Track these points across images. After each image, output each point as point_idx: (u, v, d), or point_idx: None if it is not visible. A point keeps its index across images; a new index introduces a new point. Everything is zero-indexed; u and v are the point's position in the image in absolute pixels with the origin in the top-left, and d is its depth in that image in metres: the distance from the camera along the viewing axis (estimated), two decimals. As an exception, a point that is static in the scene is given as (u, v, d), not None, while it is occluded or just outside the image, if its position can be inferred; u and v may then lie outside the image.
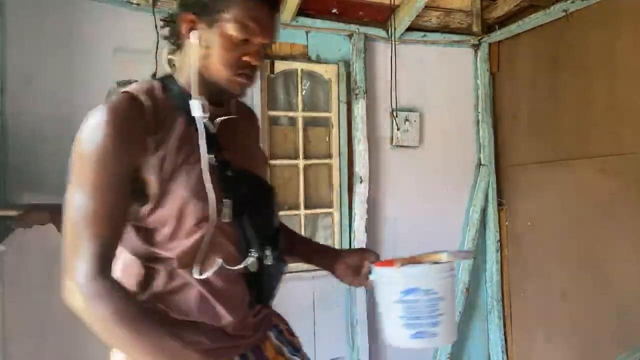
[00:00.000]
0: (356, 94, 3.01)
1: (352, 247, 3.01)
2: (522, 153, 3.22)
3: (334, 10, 2.98)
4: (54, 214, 2.01)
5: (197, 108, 1.02)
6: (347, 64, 3.05)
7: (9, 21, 2.33)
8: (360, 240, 2.99)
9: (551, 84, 2.96)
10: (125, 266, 1.03)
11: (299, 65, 2.97)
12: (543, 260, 3.04)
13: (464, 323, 3.33)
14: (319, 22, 2.96)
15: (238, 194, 1.04)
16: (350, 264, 1.36)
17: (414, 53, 3.24)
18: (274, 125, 2.97)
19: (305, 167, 3.01)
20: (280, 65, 2.92)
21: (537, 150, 3.09)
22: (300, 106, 3.00)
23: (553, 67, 2.94)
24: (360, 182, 3.00)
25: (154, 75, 2.63)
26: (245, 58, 1.02)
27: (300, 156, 2.99)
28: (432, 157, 3.28)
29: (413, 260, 1.17)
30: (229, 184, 1.04)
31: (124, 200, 0.95)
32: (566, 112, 2.85)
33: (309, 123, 3.05)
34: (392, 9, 2.97)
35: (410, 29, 3.10)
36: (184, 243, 0.99)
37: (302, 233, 3.01)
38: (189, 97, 1.03)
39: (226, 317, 1.03)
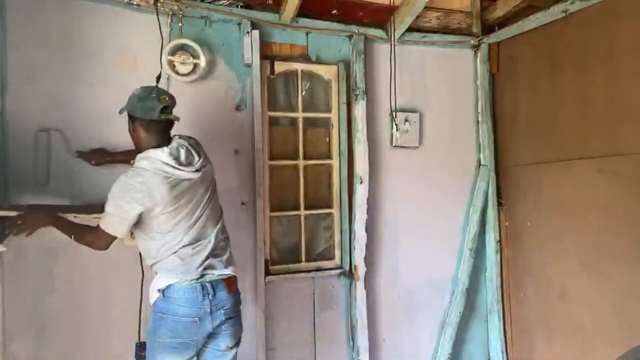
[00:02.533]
0: (356, 95, 3.01)
1: (353, 246, 3.01)
2: (522, 153, 3.22)
3: (334, 11, 2.98)
4: (55, 217, 2.00)
5: None
6: (347, 65, 3.05)
7: (9, 21, 2.33)
8: (360, 240, 2.99)
9: (551, 84, 2.96)
10: None
11: (299, 66, 2.98)
12: (543, 261, 3.04)
13: (464, 323, 3.33)
14: (319, 23, 2.96)
15: None
16: None
17: (413, 54, 3.24)
18: (275, 126, 2.97)
19: (306, 168, 3.01)
20: (280, 66, 2.92)
21: (536, 151, 3.09)
22: (300, 107, 3.00)
23: (553, 67, 2.94)
24: (360, 183, 3.00)
25: (158, 78, 2.70)
26: None
27: (301, 156, 2.99)
28: (432, 158, 3.28)
29: None
30: None
31: None
32: (566, 113, 2.86)
33: (309, 124, 3.05)
34: (392, 10, 2.97)
35: (410, 29, 3.11)
36: None
37: (302, 233, 3.01)
38: None
39: None
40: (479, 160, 3.39)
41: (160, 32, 2.53)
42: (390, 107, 3.04)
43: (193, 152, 2.05)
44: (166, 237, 1.96)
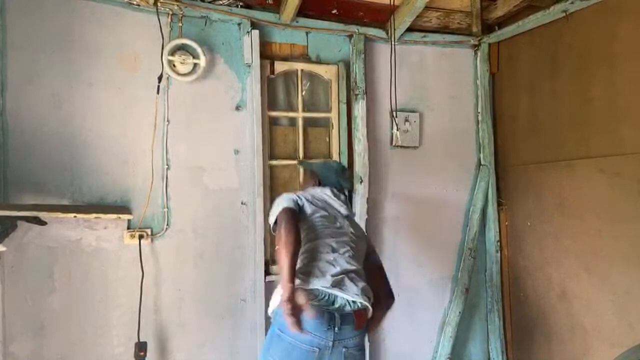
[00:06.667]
0: (356, 95, 3.01)
1: (352, 247, 3.01)
2: (522, 153, 3.22)
3: (334, 11, 2.99)
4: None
5: None
6: (347, 65, 3.05)
7: (9, 21, 2.33)
8: (360, 240, 2.99)
9: (551, 84, 2.96)
10: None
11: (299, 66, 2.97)
12: (543, 261, 3.04)
13: (464, 323, 3.33)
14: (319, 23, 2.96)
15: None
16: None
17: (413, 54, 3.24)
18: (274, 126, 2.97)
19: (306, 168, 3.01)
20: (280, 66, 2.92)
21: (537, 150, 3.09)
22: (300, 106, 3.00)
23: (553, 67, 2.94)
24: (360, 182, 3.00)
25: (159, 78, 2.74)
26: None
27: (301, 156, 2.99)
28: (432, 157, 3.28)
29: None
30: None
31: None
32: (566, 112, 2.86)
33: (309, 123, 3.05)
34: (392, 10, 2.97)
35: (410, 29, 3.11)
36: None
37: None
38: None
39: None
40: (479, 160, 3.39)
41: (161, 32, 2.53)
42: (391, 107, 3.04)
43: (349, 203, 2.27)
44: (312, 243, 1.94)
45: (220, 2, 2.71)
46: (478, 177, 3.37)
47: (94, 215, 2.30)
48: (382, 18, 3.07)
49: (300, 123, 2.99)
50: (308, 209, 2.03)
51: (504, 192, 3.38)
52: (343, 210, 2.16)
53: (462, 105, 3.38)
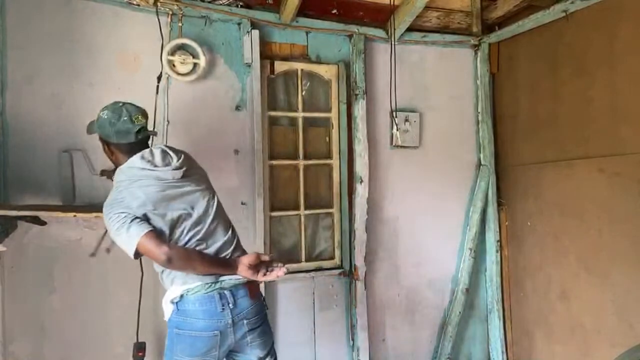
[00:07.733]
0: (356, 95, 3.01)
1: (353, 246, 3.01)
2: (522, 153, 3.22)
3: (334, 11, 2.99)
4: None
5: None
6: (347, 65, 3.05)
7: (9, 21, 2.33)
8: (360, 240, 2.99)
9: (551, 84, 2.96)
10: None
11: (299, 66, 2.97)
12: (543, 260, 3.04)
13: (464, 323, 3.33)
14: (319, 23, 2.96)
15: None
16: None
17: (413, 53, 3.24)
18: (274, 126, 2.97)
19: (306, 167, 3.01)
20: (280, 66, 2.92)
21: (537, 150, 3.09)
22: (300, 106, 3.00)
23: (553, 67, 2.94)
24: (360, 182, 3.00)
25: (159, 78, 2.67)
26: None
27: (301, 156, 2.99)
28: (432, 157, 3.28)
29: None
30: None
31: None
32: (566, 112, 2.86)
33: (309, 123, 3.05)
34: (392, 10, 2.97)
35: (410, 29, 3.11)
36: None
37: (302, 233, 3.01)
38: None
39: None
40: (479, 160, 3.39)
41: (160, 32, 2.53)
42: (391, 107, 3.04)
43: (170, 152, 1.87)
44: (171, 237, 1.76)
45: (220, 2, 2.71)
46: (478, 177, 3.36)
47: (94, 215, 2.30)
48: (382, 18, 3.07)
49: (300, 123, 2.99)
50: (155, 221, 1.73)
51: (504, 192, 3.38)
52: (176, 174, 1.81)
53: (462, 105, 3.38)
